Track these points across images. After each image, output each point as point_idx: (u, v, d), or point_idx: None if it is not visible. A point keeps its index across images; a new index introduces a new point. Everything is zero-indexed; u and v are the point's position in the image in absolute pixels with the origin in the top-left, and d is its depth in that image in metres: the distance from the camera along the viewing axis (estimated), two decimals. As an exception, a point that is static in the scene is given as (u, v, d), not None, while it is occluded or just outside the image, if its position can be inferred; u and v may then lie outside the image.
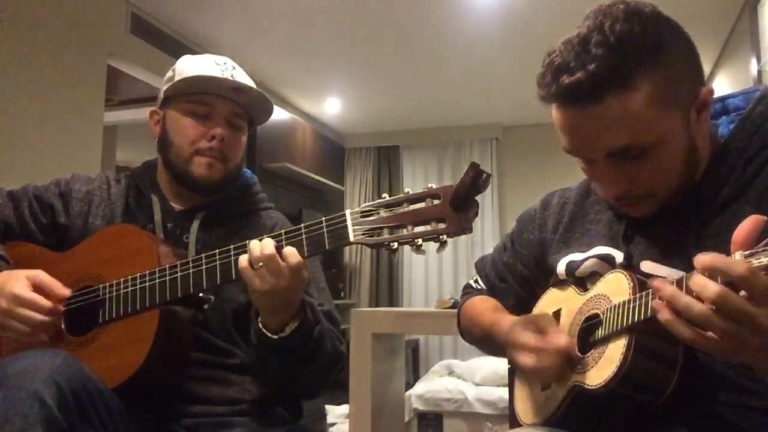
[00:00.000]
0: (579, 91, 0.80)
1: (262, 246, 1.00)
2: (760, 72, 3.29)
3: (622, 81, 0.79)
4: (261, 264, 0.99)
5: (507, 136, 6.14)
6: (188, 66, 1.25)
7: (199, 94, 1.24)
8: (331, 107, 5.67)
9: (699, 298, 0.67)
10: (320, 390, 1.23)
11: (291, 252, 0.99)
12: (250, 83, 1.26)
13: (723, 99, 0.95)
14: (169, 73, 1.28)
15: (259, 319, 1.07)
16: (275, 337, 1.05)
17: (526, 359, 0.89)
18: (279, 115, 5.15)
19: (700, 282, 0.66)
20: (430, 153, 6.29)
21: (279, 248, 1.00)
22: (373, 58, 4.55)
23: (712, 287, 0.65)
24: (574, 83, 0.80)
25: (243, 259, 1.01)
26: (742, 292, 0.64)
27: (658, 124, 0.81)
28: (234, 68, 1.27)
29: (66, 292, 1.11)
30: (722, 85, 4.36)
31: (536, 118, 5.59)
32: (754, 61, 3.36)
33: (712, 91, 0.86)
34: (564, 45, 0.83)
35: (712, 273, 0.65)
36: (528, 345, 0.89)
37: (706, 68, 4.51)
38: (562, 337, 0.88)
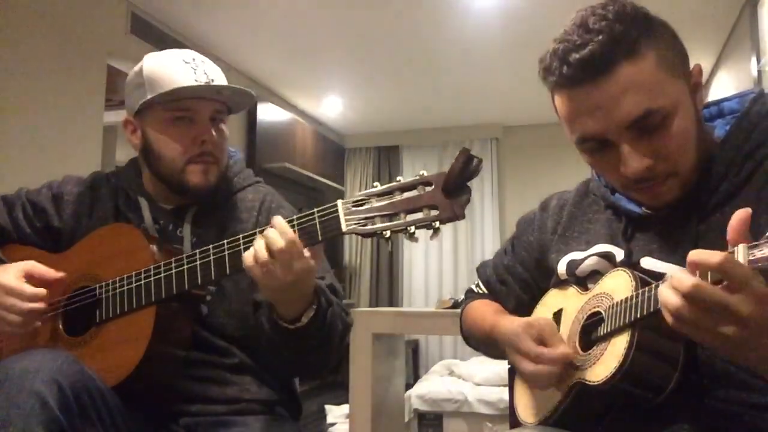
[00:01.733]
0: (591, 64, 0.81)
1: (256, 253, 0.96)
2: (760, 72, 3.29)
3: (630, 48, 0.81)
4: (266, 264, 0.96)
5: (507, 136, 6.14)
6: (158, 72, 1.19)
7: (178, 101, 1.18)
8: (331, 107, 5.67)
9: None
10: (331, 365, 1.20)
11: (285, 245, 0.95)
12: (221, 75, 1.22)
13: (718, 103, 0.97)
14: (136, 79, 1.22)
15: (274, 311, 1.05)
16: (292, 327, 1.04)
17: (527, 366, 0.91)
18: (279, 115, 5.15)
19: (677, 277, 0.67)
20: (430, 153, 6.30)
21: None
22: (372, 58, 4.55)
23: (686, 281, 0.65)
24: (585, 57, 0.81)
25: (248, 256, 0.98)
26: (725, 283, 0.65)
27: (670, 87, 0.83)
28: (203, 62, 1.22)
29: (60, 275, 1.11)
30: (722, 85, 4.35)
31: (536, 118, 5.60)
32: (754, 61, 3.36)
33: (700, 70, 0.89)
34: (563, 34, 0.85)
35: (694, 269, 0.67)
36: (528, 354, 0.91)
37: (706, 68, 4.51)
38: (562, 347, 0.89)
